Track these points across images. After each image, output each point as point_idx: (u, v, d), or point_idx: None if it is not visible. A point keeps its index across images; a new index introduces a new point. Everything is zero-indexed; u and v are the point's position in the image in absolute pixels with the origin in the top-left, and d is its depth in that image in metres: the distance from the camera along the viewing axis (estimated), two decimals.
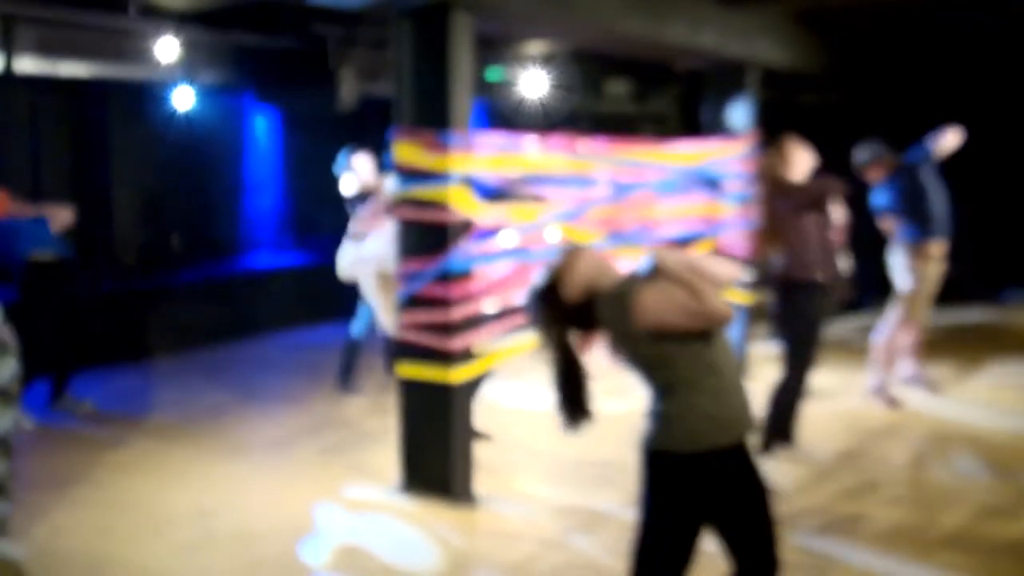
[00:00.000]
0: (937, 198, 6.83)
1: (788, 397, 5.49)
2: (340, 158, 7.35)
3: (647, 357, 2.90)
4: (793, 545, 4.51)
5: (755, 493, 2.96)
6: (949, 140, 6.77)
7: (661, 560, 2.92)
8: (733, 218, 7.59)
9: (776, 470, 5.43)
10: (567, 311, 3.01)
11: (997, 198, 11.22)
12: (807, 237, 5.41)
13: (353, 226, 7.11)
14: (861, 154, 7.01)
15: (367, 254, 6.92)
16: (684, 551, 2.92)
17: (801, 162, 5.55)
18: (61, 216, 6.86)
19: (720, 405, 2.87)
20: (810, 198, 5.43)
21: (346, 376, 7.41)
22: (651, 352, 2.88)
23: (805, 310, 5.43)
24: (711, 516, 2.93)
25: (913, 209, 6.82)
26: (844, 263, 5.55)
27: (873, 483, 5.36)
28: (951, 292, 10.58)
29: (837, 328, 9.70)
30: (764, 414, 5.45)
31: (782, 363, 5.53)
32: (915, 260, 6.87)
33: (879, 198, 6.99)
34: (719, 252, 7.73)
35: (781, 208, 5.49)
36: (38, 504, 5.05)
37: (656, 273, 2.86)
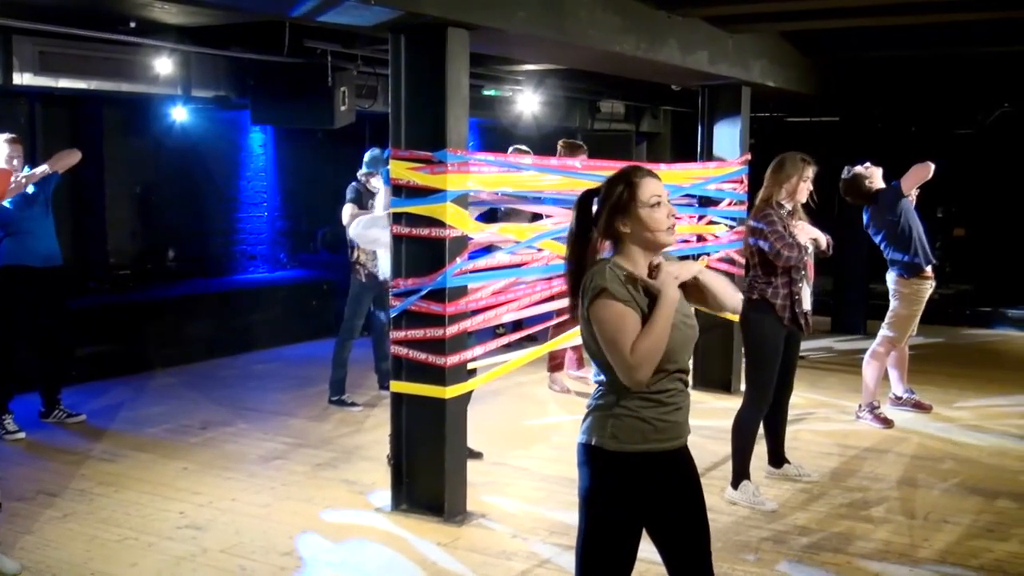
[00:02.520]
0: (914, 226, 6.86)
1: (745, 427, 5.37)
2: (370, 157, 7.27)
3: (590, 342, 2.88)
4: (784, 563, 4.53)
5: (688, 501, 2.96)
6: (917, 175, 6.83)
7: (599, 558, 2.92)
8: (726, 237, 7.63)
9: (772, 489, 5.46)
10: (607, 219, 2.88)
11: (994, 221, 11.30)
12: (772, 264, 5.26)
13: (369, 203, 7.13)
14: (845, 174, 7.06)
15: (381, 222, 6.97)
16: (620, 550, 2.91)
17: (800, 194, 5.39)
18: (70, 160, 6.78)
19: (661, 411, 2.86)
20: (776, 256, 5.21)
21: (338, 389, 7.41)
22: (596, 350, 2.87)
23: (762, 337, 5.29)
24: (643, 518, 2.91)
25: (892, 236, 6.87)
26: (807, 296, 5.41)
27: (863, 502, 5.38)
28: (944, 314, 10.68)
29: (827, 349, 9.75)
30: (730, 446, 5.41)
31: (745, 380, 5.48)
32: (901, 284, 6.91)
33: (865, 221, 7.06)
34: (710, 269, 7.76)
35: (755, 228, 5.35)
36: (28, 517, 5.04)
37: (657, 296, 2.80)
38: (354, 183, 7.32)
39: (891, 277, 6.98)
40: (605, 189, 2.93)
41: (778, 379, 5.41)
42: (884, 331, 7.00)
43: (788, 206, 5.38)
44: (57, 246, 6.75)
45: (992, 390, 8.07)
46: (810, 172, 5.40)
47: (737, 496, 5.28)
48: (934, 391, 7.80)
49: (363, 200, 7.21)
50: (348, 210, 7.22)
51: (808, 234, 5.37)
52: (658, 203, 2.87)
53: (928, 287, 6.92)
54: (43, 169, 6.59)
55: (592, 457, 2.91)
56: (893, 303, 6.97)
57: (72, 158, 6.81)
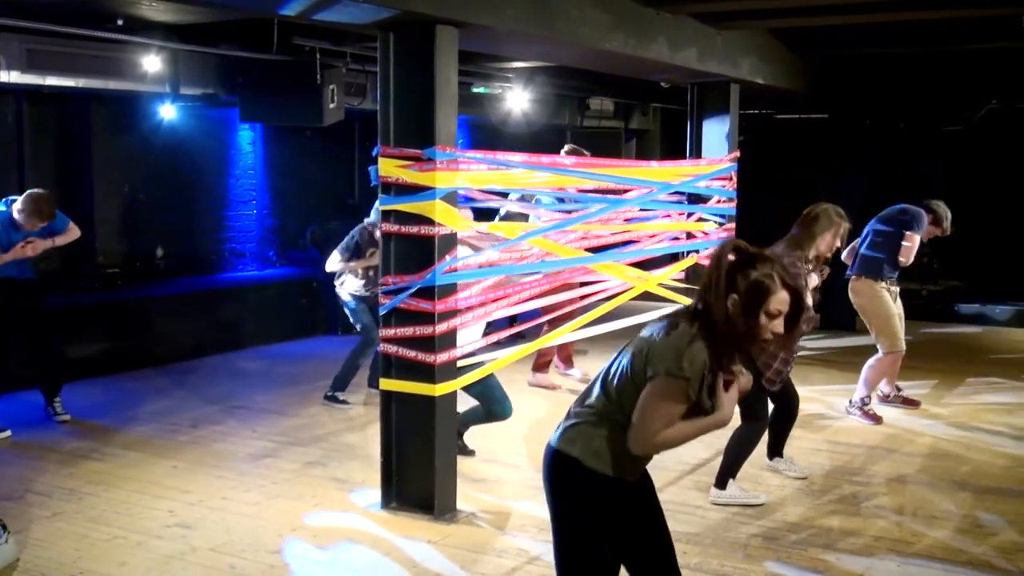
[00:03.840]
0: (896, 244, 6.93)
1: (747, 440, 5.33)
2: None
3: (615, 381, 2.86)
4: (773, 558, 4.54)
5: (649, 525, 2.97)
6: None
7: (576, 568, 2.94)
8: (715, 234, 7.64)
9: (761, 485, 5.47)
10: (723, 295, 2.74)
11: (983, 217, 11.33)
12: None
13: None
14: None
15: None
16: (595, 562, 2.92)
17: (830, 249, 5.42)
18: (71, 238, 6.87)
19: (624, 452, 2.84)
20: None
21: (338, 385, 7.37)
22: (620, 384, 2.84)
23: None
24: (610, 537, 2.91)
25: (886, 244, 6.93)
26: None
27: (852, 498, 5.40)
28: (933, 311, 10.72)
29: (816, 345, 9.76)
30: (722, 456, 5.38)
31: (740, 412, 5.36)
32: (859, 284, 6.95)
33: (875, 226, 7.13)
34: (699, 267, 7.79)
35: None
36: (17, 516, 5.02)
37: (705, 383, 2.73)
38: (358, 231, 7.10)
39: (851, 286, 7.00)
40: (743, 276, 2.76)
41: (784, 397, 5.41)
42: (880, 345, 6.99)
43: (811, 257, 5.38)
44: (29, 263, 6.73)
45: (980, 386, 8.11)
46: (844, 229, 5.41)
47: (725, 495, 5.27)
48: (923, 387, 7.84)
49: (362, 251, 7.05)
50: (336, 259, 7.11)
51: (810, 285, 5.37)
52: (778, 315, 2.77)
53: (885, 288, 6.93)
54: (47, 245, 6.67)
55: (556, 460, 2.92)
56: (865, 315, 6.97)
57: (73, 237, 6.91)
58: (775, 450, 5.76)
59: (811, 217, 5.43)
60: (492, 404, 5.68)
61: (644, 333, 2.86)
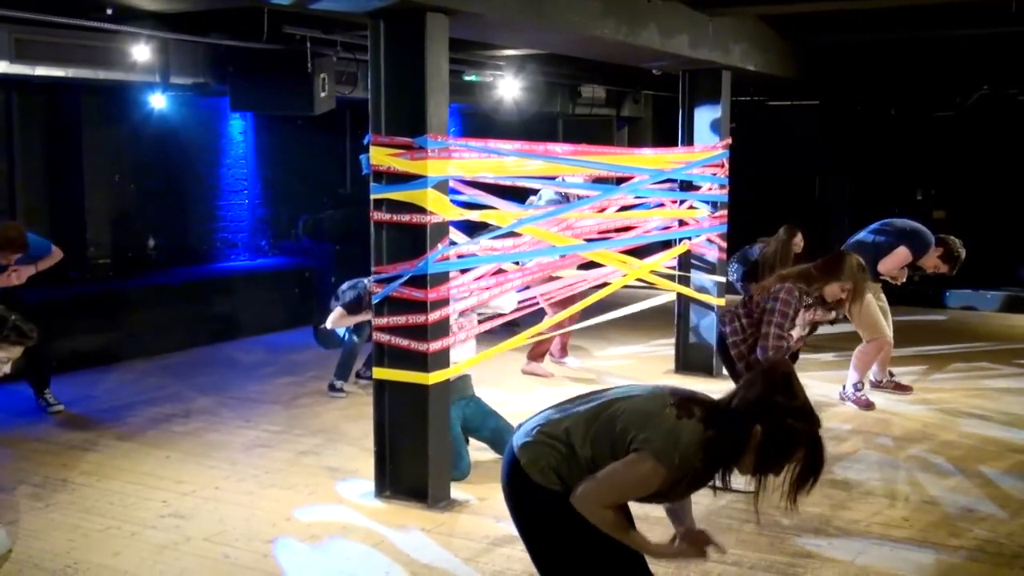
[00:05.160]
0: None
1: None
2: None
3: (597, 421, 2.83)
4: (766, 544, 4.56)
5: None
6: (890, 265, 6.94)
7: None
8: (706, 221, 7.66)
9: None
10: (752, 422, 2.67)
11: (973, 203, 11.37)
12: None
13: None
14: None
15: None
16: (558, 561, 2.93)
17: (829, 293, 5.42)
18: (54, 260, 6.90)
19: (572, 484, 2.82)
20: (763, 337, 5.24)
21: (340, 374, 7.37)
22: (598, 430, 2.81)
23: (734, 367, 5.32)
24: (564, 540, 2.90)
25: (874, 251, 6.95)
26: None
27: (845, 483, 5.42)
28: (924, 296, 10.74)
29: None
30: None
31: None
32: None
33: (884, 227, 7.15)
34: (691, 254, 7.80)
35: (773, 298, 5.30)
36: (10, 507, 5.02)
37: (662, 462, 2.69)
38: (363, 289, 7.00)
39: None
40: (780, 415, 2.67)
41: None
42: (861, 334, 7.00)
43: (814, 296, 5.39)
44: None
45: (972, 371, 8.14)
46: (860, 288, 5.43)
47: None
48: (914, 373, 7.86)
49: (362, 305, 6.95)
50: (338, 315, 7.10)
51: (808, 319, 5.36)
52: (789, 468, 2.70)
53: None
54: (30, 271, 6.69)
55: (521, 478, 2.89)
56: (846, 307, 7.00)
57: (56, 259, 6.93)
58: None
59: (837, 264, 5.43)
60: (501, 446, 5.66)
61: (654, 397, 2.80)
